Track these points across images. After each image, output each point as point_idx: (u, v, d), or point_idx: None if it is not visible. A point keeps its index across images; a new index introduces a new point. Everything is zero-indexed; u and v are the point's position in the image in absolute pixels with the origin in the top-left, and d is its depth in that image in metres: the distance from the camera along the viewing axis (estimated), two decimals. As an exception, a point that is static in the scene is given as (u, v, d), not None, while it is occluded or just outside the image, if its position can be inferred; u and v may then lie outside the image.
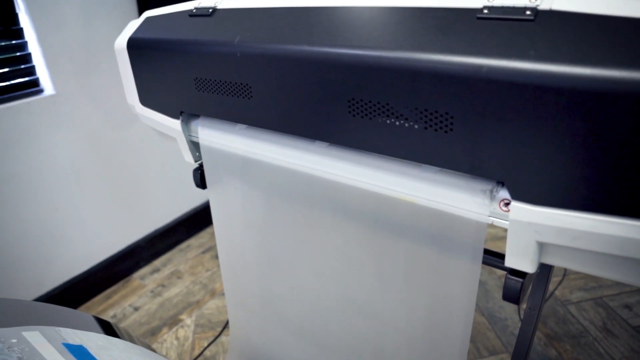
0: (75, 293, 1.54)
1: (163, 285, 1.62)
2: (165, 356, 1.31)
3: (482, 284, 1.48)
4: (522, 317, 0.80)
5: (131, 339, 0.82)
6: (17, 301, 0.66)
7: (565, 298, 1.38)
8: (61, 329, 0.64)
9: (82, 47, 1.37)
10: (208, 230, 1.94)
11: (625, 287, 1.38)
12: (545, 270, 0.72)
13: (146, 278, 1.67)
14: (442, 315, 0.59)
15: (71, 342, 0.62)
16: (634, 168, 0.37)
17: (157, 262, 1.76)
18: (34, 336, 0.57)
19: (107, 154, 1.52)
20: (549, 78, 0.39)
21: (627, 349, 1.18)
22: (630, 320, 1.27)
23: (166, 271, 1.70)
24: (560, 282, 1.44)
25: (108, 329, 0.79)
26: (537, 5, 0.43)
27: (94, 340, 0.67)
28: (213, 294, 1.56)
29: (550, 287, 1.43)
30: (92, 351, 0.63)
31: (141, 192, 1.67)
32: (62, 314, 0.74)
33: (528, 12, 0.43)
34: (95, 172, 1.51)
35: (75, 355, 0.58)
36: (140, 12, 1.48)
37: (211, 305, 1.51)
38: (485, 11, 0.45)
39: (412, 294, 0.61)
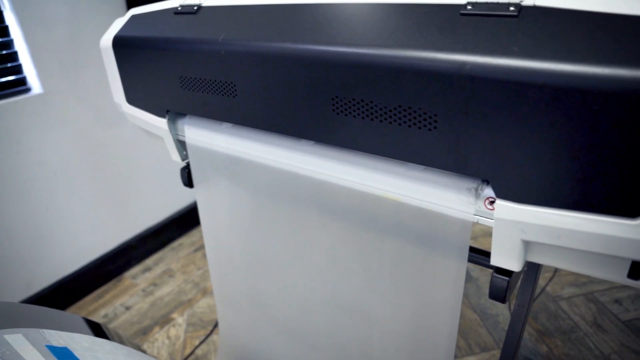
0: (66, 293, 1.53)
1: (155, 284, 1.62)
2: (155, 357, 1.30)
3: (474, 280, 1.48)
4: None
5: (121, 340, 0.81)
6: (1, 303, 0.66)
7: (556, 294, 1.38)
8: (45, 330, 0.63)
9: (70, 45, 1.36)
10: (200, 228, 1.93)
11: (615, 282, 1.38)
12: (533, 267, 0.72)
13: (138, 277, 1.67)
14: (429, 313, 0.59)
15: (55, 344, 0.61)
16: (617, 166, 0.37)
17: (148, 261, 1.75)
18: (17, 339, 0.57)
19: (97, 153, 1.51)
20: (531, 75, 0.39)
21: (616, 343, 1.19)
22: (621, 315, 1.28)
23: (158, 270, 1.69)
24: (551, 278, 1.44)
25: (97, 330, 0.78)
26: (521, 1, 0.42)
27: (79, 342, 0.66)
28: (205, 292, 1.55)
29: (542, 283, 1.43)
30: (77, 353, 0.62)
31: (132, 190, 1.66)
32: (48, 316, 0.73)
33: (512, 8, 0.43)
34: (85, 171, 1.49)
35: (58, 357, 0.57)
36: (129, 9, 1.46)
37: (203, 303, 1.50)
38: (469, 7, 0.45)
39: (399, 293, 0.61)
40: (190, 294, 1.55)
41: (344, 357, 0.75)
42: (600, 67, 0.36)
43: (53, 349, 0.59)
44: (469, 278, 1.49)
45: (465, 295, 1.42)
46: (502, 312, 1.34)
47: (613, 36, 0.37)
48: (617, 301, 1.33)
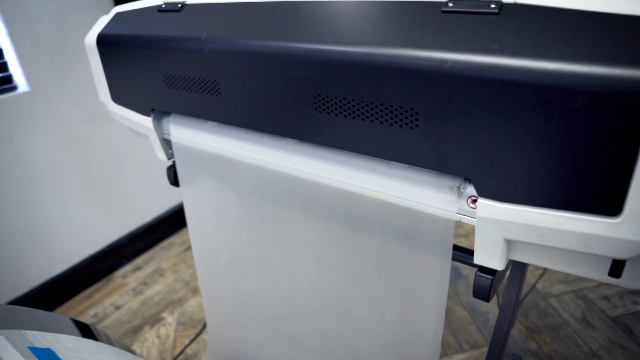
0: (56, 293, 1.52)
1: (145, 284, 1.61)
2: (143, 357, 1.29)
3: (464, 277, 1.48)
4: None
5: (109, 341, 0.81)
6: (-16, 305, 0.65)
7: (546, 291, 1.39)
8: (28, 332, 0.63)
9: (56, 42, 1.35)
10: (191, 227, 1.92)
11: (605, 279, 1.39)
12: (520, 266, 0.72)
13: (128, 276, 1.66)
14: (415, 311, 0.59)
15: (38, 345, 0.60)
16: (598, 165, 0.37)
17: (139, 260, 1.74)
18: (-2, 340, 0.56)
19: (86, 151, 1.50)
20: (512, 72, 0.38)
21: (604, 339, 1.19)
22: (609, 311, 1.28)
23: (148, 269, 1.68)
24: (541, 276, 1.45)
25: (85, 330, 0.77)
26: (502, -1, 0.42)
27: (63, 343, 0.65)
28: (195, 291, 1.55)
29: (532, 280, 1.43)
30: (60, 354, 0.61)
31: (122, 189, 1.65)
32: (34, 317, 0.72)
33: (493, 6, 0.42)
34: (74, 169, 1.48)
35: (40, 358, 0.57)
36: (116, 6, 1.45)
37: (193, 302, 1.49)
38: (451, 5, 0.44)
39: (384, 292, 0.61)
40: (180, 293, 1.54)
41: (331, 355, 0.75)
42: (580, 65, 0.36)
43: (35, 350, 0.58)
44: (458, 275, 1.49)
45: (456, 292, 1.42)
46: (492, 309, 1.35)
47: (593, 34, 0.36)
48: (606, 298, 1.33)
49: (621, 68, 0.34)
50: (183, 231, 1.89)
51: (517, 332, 1.25)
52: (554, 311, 1.31)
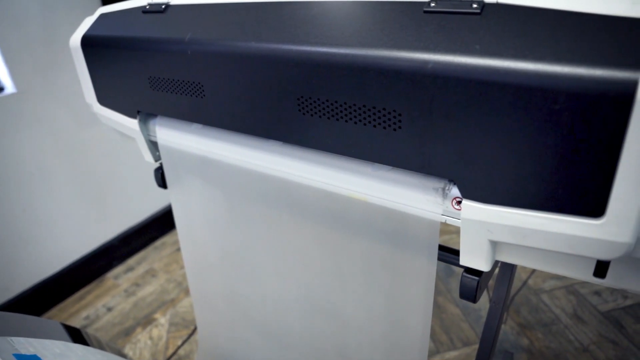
0: (47, 295, 1.51)
1: (137, 285, 1.60)
2: (132, 359, 1.29)
3: (456, 275, 1.48)
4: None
5: (100, 345, 0.80)
6: (-31, 311, 0.64)
7: (538, 286, 1.39)
8: (14, 338, 0.62)
9: (43, 43, 1.33)
10: (183, 227, 1.91)
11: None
12: (508, 265, 0.72)
13: (120, 277, 1.65)
14: (401, 312, 0.59)
15: (24, 352, 0.60)
16: (580, 166, 0.37)
17: (131, 261, 1.73)
18: (-18, 348, 0.55)
19: (76, 152, 1.49)
20: (493, 73, 0.38)
21: (595, 334, 1.20)
22: (600, 306, 1.29)
23: (140, 270, 1.68)
24: (533, 272, 1.45)
25: (75, 335, 0.77)
26: (484, -1, 0.42)
27: (50, 349, 0.65)
28: (187, 292, 1.54)
29: (524, 276, 1.44)
30: (47, 360, 0.61)
31: (113, 190, 1.64)
32: (21, 323, 0.72)
33: (475, 6, 0.42)
34: (64, 171, 1.47)
35: (25, 366, 0.56)
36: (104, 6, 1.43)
37: (186, 303, 1.49)
38: (433, 4, 0.44)
39: (371, 293, 0.61)
40: (172, 294, 1.54)
41: (320, 356, 0.75)
42: (561, 66, 0.35)
43: (21, 357, 0.58)
44: (451, 272, 1.50)
45: (448, 290, 1.42)
46: (484, 306, 1.35)
47: (575, 35, 0.36)
48: (597, 293, 1.34)
49: (603, 69, 0.34)
50: (175, 231, 1.89)
51: (509, 328, 1.26)
52: (546, 307, 1.31)
